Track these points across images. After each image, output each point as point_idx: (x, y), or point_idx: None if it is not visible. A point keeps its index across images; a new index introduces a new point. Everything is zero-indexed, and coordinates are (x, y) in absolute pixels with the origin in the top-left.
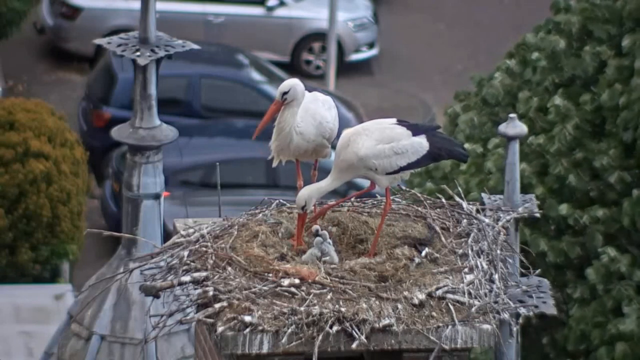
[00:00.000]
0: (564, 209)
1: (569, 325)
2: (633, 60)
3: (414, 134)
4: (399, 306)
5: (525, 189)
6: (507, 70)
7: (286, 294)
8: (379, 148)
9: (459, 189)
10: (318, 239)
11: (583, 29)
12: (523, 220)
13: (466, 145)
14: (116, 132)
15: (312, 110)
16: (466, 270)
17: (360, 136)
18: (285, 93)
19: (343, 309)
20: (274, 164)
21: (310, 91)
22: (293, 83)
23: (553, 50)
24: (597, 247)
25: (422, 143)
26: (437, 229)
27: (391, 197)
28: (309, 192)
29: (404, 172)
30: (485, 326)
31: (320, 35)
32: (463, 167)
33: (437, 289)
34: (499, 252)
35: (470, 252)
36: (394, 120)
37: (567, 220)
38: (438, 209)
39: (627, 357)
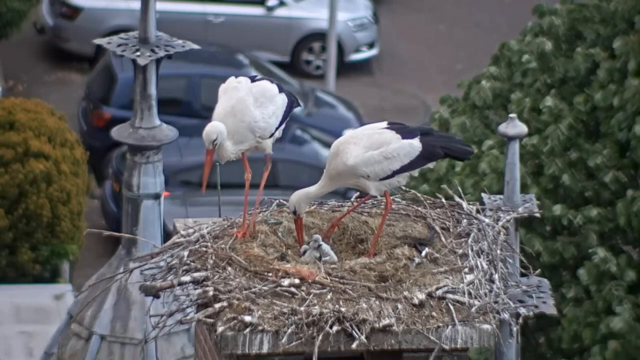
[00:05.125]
0: (558, 209)
1: (562, 325)
2: (625, 62)
3: (405, 137)
4: (399, 306)
5: (521, 189)
6: (492, 76)
7: (286, 294)
8: (368, 155)
9: (458, 188)
10: (312, 243)
11: (571, 30)
12: (520, 221)
13: None
14: (116, 132)
15: (240, 112)
16: (466, 270)
17: (348, 145)
18: (214, 140)
19: (343, 309)
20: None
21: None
22: (217, 128)
23: (541, 52)
24: (591, 247)
25: (413, 144)
26: (437, 229)
27: (391, 197)
28: (297, 198)
29: (399, 176)
30: (485, 326)
31: (320, 35)
32: (458, 168)
33: (437, 289)
34: (499, 252)
35: (470, 252)
36: (384, 123)
37: (562, 220)
38: (438, 209)
39: (618, 355)
